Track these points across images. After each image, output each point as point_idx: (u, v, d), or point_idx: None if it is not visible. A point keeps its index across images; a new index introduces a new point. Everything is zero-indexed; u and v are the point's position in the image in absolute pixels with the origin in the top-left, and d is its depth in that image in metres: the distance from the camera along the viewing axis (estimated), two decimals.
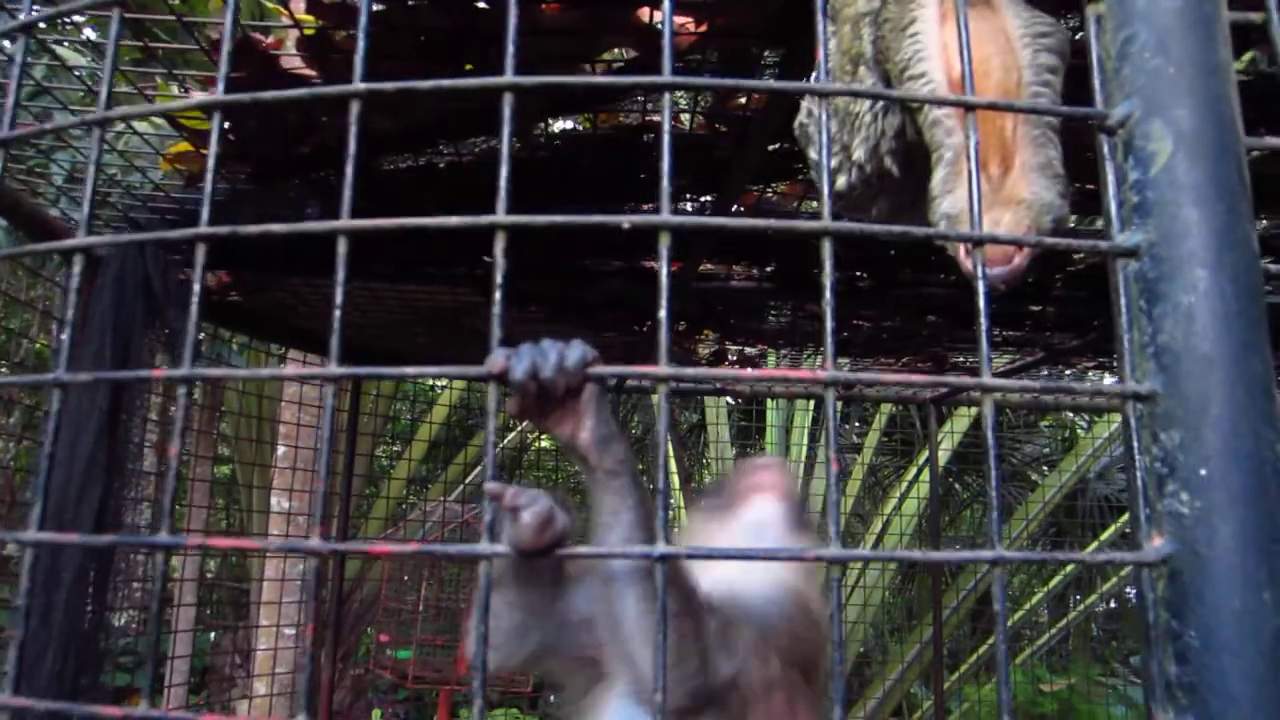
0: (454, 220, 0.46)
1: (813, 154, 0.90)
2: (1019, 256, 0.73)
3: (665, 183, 0.45)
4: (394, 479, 5.31)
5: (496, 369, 0.45)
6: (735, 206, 1.75)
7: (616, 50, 1.36)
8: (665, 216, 0.44)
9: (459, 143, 1.60)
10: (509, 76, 0.48)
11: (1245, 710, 0.43)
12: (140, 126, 2.27)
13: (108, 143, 2.50)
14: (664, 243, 0.45)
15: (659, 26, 1.24)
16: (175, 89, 2.07)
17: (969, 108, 0.48)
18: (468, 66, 1.36)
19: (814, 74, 1.06)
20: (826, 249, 0.45)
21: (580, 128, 1.56)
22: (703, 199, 1.83)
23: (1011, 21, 0.76)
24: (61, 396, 0.50)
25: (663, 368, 0.43)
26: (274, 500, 3.50)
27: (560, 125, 1.70)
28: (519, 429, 6.17)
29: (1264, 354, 0.47)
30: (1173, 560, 0.45)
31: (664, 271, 0.44)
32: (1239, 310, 0.47)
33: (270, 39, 1.35)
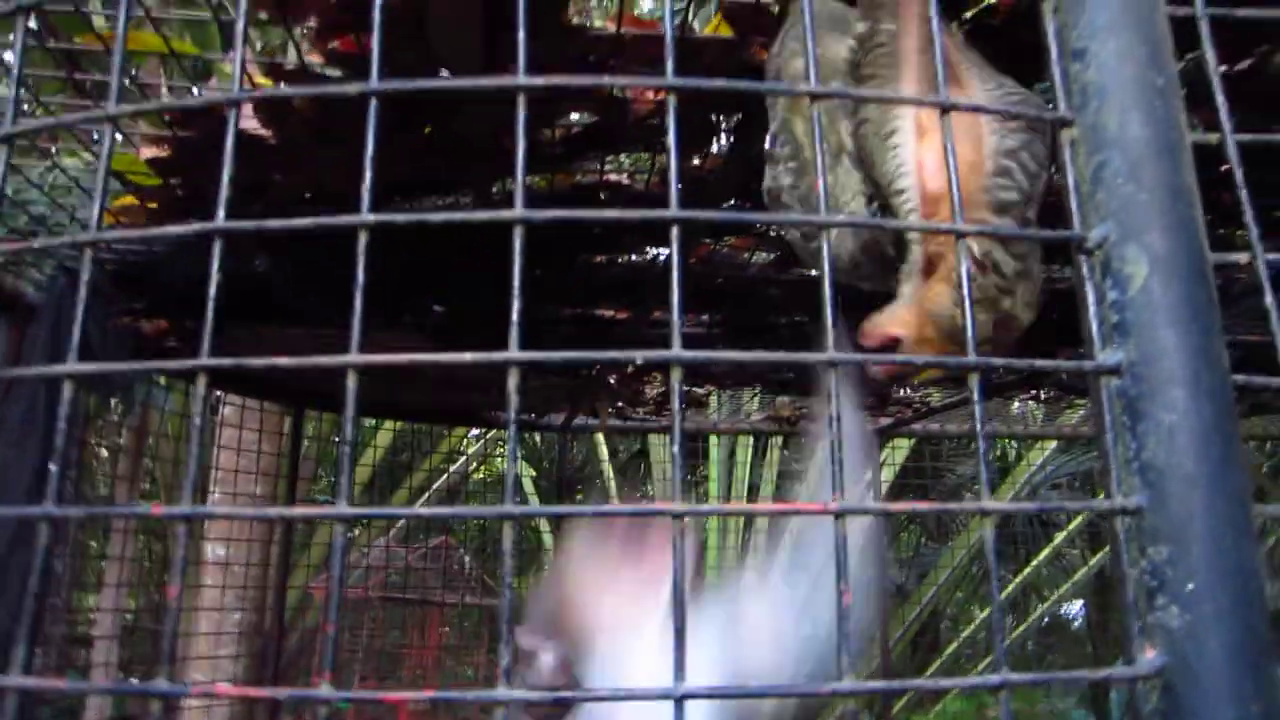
0: (466, 356, 0.46)
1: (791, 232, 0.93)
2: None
3: (675, 316, 0.46)
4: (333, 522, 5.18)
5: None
6: (690, 259, 1.77)
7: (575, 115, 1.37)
8: (678, 352, 0.45)
9: (415, 201, 1.59)
10: (519, 210, 0.48)
11: None
12: (70, 162, 2.21)
13: (30, 180, 2.42)
14: (676, 376, 0.45)
15: (619, 95, 1.26)
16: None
17: (959, 235, 0.50)
18: (426, 130, 1.36)
19: (768, 143, 1.09)
20: (831, 380, 0.46)
21: (537, 185, 1.57)
22: (657, 251, 1.85)
23: (980, 100, 0.79)
24: (50, 530, 0.48)
25: (676, 504, 0.44)
26: (208, 548, 3.40)
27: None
28: (460, 461, 6.11)
29: (1240, 471, 0.50)
30: (1166, 673, 0.47)
31: (677, 405, 0.45)
32: (1216, 428, 0.50)
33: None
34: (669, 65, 0.50)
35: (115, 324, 2.26)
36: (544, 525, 5.66)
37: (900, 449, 5.04)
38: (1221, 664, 0.46)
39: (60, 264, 2.18)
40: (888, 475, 4.97)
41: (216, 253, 0.50)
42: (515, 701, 0.42)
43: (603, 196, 1.57)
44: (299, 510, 0.45)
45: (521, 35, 0.50)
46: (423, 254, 1.87)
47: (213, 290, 0.50)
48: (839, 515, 0.45)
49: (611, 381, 2.88)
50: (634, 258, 1.93)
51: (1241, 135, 0.60)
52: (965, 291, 0.51)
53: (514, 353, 0.46)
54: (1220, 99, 0.60)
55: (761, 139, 1.45)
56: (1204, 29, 0.61)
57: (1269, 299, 0.57)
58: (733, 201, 1.64)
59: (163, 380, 3.88)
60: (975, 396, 0.49)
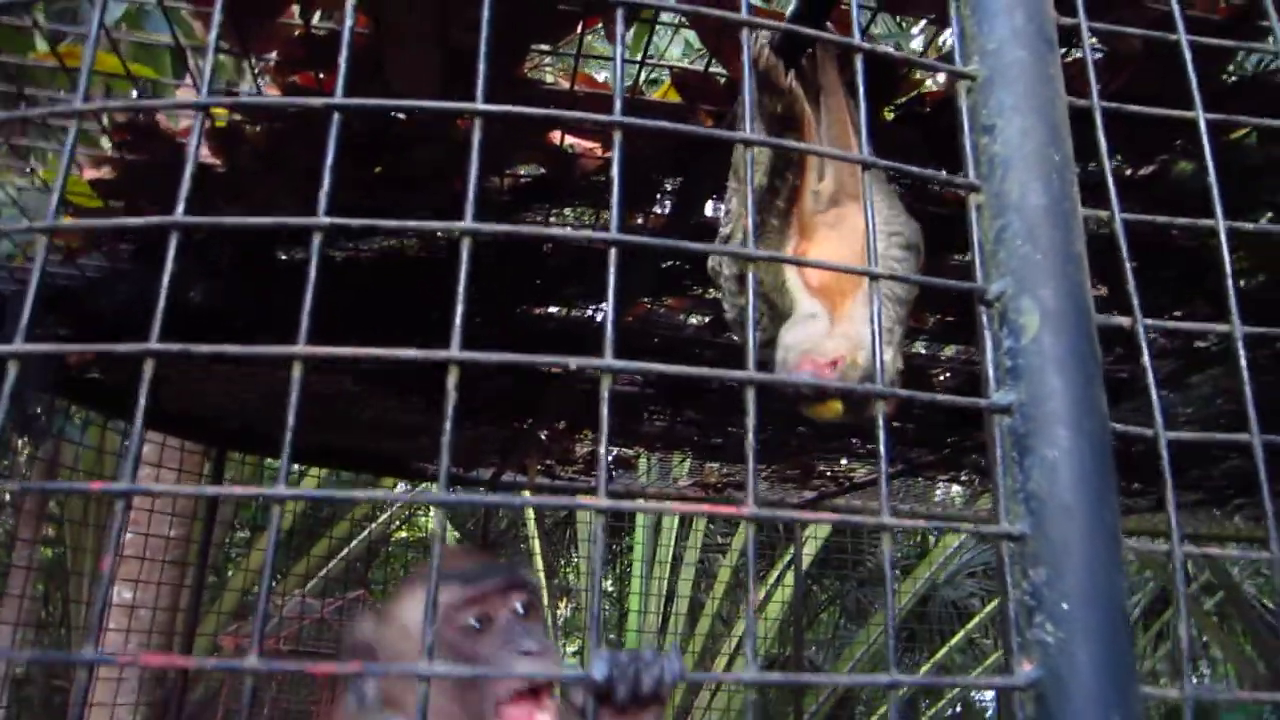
0: (410, 352, 0.49)
1: (727, 307, 1.03)
2: (832, 373, 0.85)
3: (610, 331, 0.50)
4: (247, 569, 5.03)
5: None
6: (627, 317, 1.82)
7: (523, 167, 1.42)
8: (609, 360, 0.49)
9: (358, 239, 1.62)
10: (468, 223, 0.52)
11: None
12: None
13: None
14: (605, 383, 0.49)
15: (568, 149, 1.31)
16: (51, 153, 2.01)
17: (873, 277, 0.55)
18: (377, 169, 1.40)
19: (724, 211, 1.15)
20: (750, 397, 0.50)
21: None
22: (594, 309, 1.89)
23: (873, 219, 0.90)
24: None
25: (601, 499, 0.47)
26: (115, 591, 3.27)
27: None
28: (377, 521, 5.99)
29: (1113, 505, 0.55)
30: (1040, 685, 0.51)
31: (604, 412, 0.48)
32: (1094, 466, 0.55)
33: (181, 126, 1.35)
34: (617, 104, 0.54)
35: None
36: None
37: (824, 526, 5.10)
38: (1089, 676, 0.51)
39: None
40: (810, 549, 5.03)
41: (173, 245, 0.52)
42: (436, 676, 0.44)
43: (546, 248, 1.62)
44: (237, 489, 0.47)
45: (481, 65, 0.54)
46: (357, 297, 1.89)
47: (166, 279, 0.52)
48: (752, 521, 0.49)
49: (542, 437, 2.89)
50: (572, 313, 1.97)
51: (1128, 215, 0.66)
52: (876, 324, 0.56)
53: (455, 352, 0.48)
54: (1110, 180, 0.66)
55: (702, 202, 1.51)
56: (1098, 117, 0.68)
57: (1145, 359, 0.62)
58: (674, 262, 1.70)
59: (76, 418, 3.77)
60: (879, 420, 0.53)
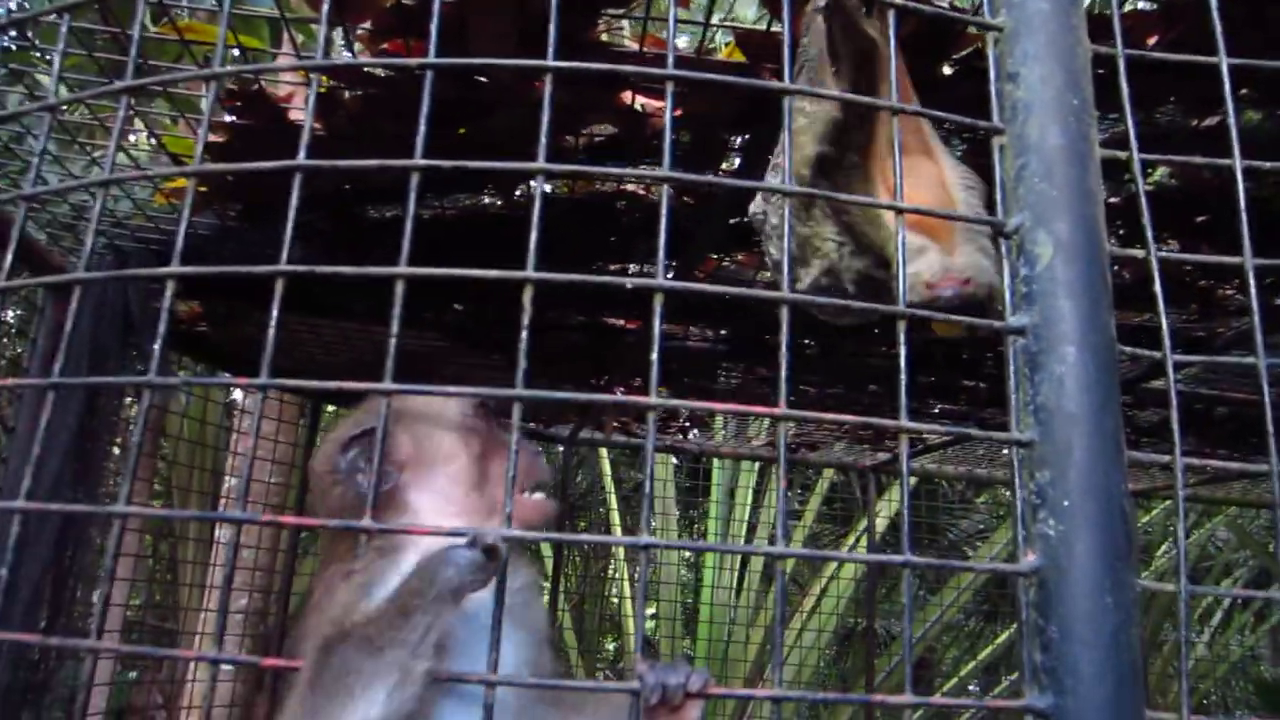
0: (492, 273, 0.57)
1: (771, 250, 1.08)
2: (968, 289, 0.92)
3: (661, 254, 0.58)
4: None
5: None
6: (697, 273, 1.89)
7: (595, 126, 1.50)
8: (660, 281, 0.57)
9: (444, 197, 1.72)
10: (541, 163, 0.60)
11: (1091, 687, 0.55)
12: (125, 149, 2.34)
13: (72, 173, 2.58)
14: (658, 301, 0.57)
15: (639, 109, 1.38)
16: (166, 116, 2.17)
17: (899, 211, 0.62)
18: (461, 130, 1.49)
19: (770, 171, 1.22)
20: (784, 315, 0.58)
21: (559, 190, 1.70)
22: (668, 263, 1.97)
23: (948, 173, 0.95)
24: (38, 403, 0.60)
25: (651, 398, 0.55)
26: (219, 532, 3.52)
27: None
28: None
29: (1115, 414, 0.61)
30: (1041, 572, 0.58)
31: (656, 325, 0.56)
32: (1097, 380, 0.61)
33: (283, 92, 1.46)
34: (669, 58, 0.62)
35: (154, 305, 2.40)
36: (545, 548, 5.73)
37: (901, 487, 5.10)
38: (1086, 565, 0.57)
39: (110, 241, 2.32)
40: (886, 513, 5.03)
41: (297, 186, 0.62)
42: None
43: (619, 205, 1.70)
44: (349, 384, 0.57)
45: (553, 27, 0.62)
46: (443, 257, 2.00)
47: (292, 213, 0.61)
48: (782, 419, 0.56)
49: (619, 393, 2.99)
50: (646, 268, 2.05)
51: (1146, 155, 0.71)
52: (900, 249, 0.63)
53: (530, 273, 0.57)
54: (1130, 121, 0.71)
55: (767, 162, 1.57)
56: (1121, 65, 0.72)
57: (1157, 287, 0.68)
58: (742, 218, 1.76)
59: (184, 371, 4.02)
60: (900, 338, 0.60)
